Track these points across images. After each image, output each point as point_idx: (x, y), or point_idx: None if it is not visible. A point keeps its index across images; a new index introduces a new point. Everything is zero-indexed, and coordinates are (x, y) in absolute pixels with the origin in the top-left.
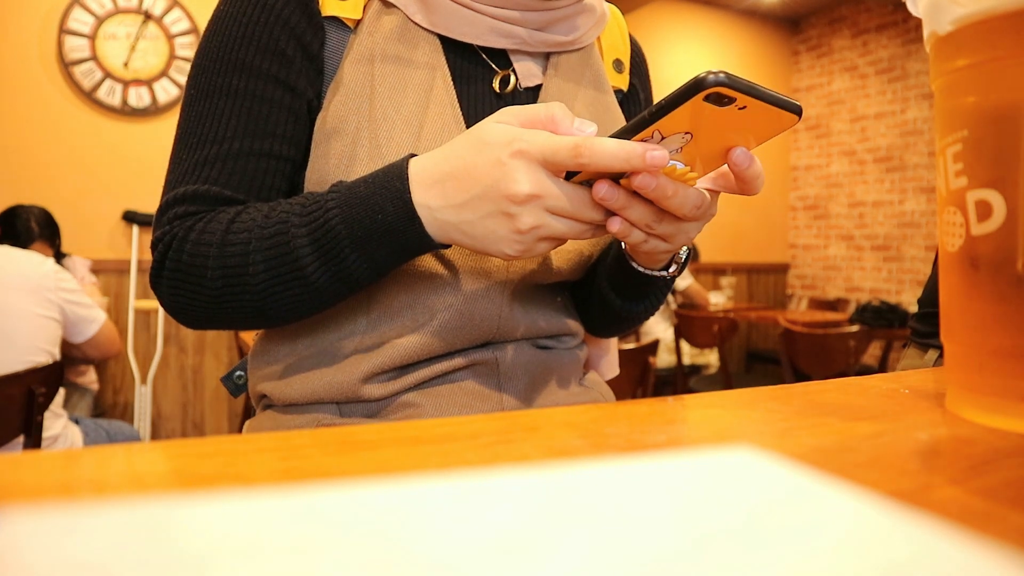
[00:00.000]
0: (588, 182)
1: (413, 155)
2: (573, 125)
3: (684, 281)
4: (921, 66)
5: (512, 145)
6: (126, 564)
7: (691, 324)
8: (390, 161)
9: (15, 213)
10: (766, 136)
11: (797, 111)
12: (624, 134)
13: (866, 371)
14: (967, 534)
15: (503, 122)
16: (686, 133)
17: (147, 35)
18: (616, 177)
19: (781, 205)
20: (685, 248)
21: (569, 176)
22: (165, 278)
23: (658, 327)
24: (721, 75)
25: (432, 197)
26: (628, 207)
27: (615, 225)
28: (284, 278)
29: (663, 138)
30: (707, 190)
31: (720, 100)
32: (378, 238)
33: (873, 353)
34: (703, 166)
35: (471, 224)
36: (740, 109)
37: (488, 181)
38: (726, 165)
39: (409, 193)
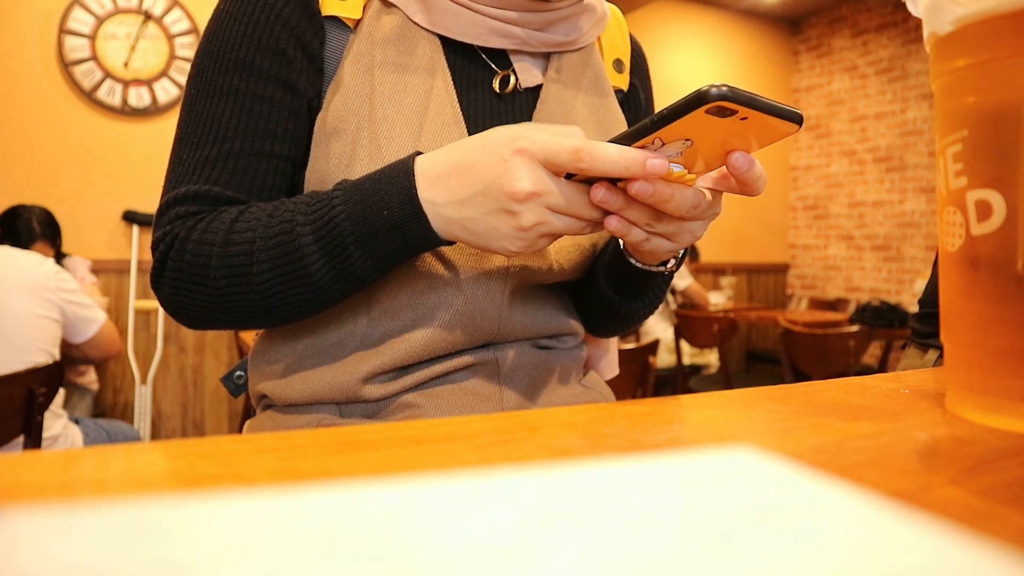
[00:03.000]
0: (588, 180)
1: (419, 153)
2: None
3: (684, 281)
4: (921, 66)
5: (514, 143)
6: (126, 564)
7: (691, 324)
8: (390, 161)
9: (16, 213)
10: (767, 142)
11: (798, 120)
12: (625, 140)
13: (866, 371)
14: (967, 534)
15: (514, 126)
16: (686, 140)
17: (147, 35)
18: (614, 179)
19: (781, 205)
20: None
21: (570, 174)
22: (166, 278)
23: (658, 327)
24: (724, 88)
25: (436, 193)
26: (626, 208)
27: (612, 223)
28: (288, 276)
29: (663, 144)
30: (709, 190)
31: (722, 112)
32: (383, 234)
33: (873, 353)
34: (703, 166)
35: (474, 220)
36: (742, 119)
37: (490, 177)
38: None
39: (415, 189)
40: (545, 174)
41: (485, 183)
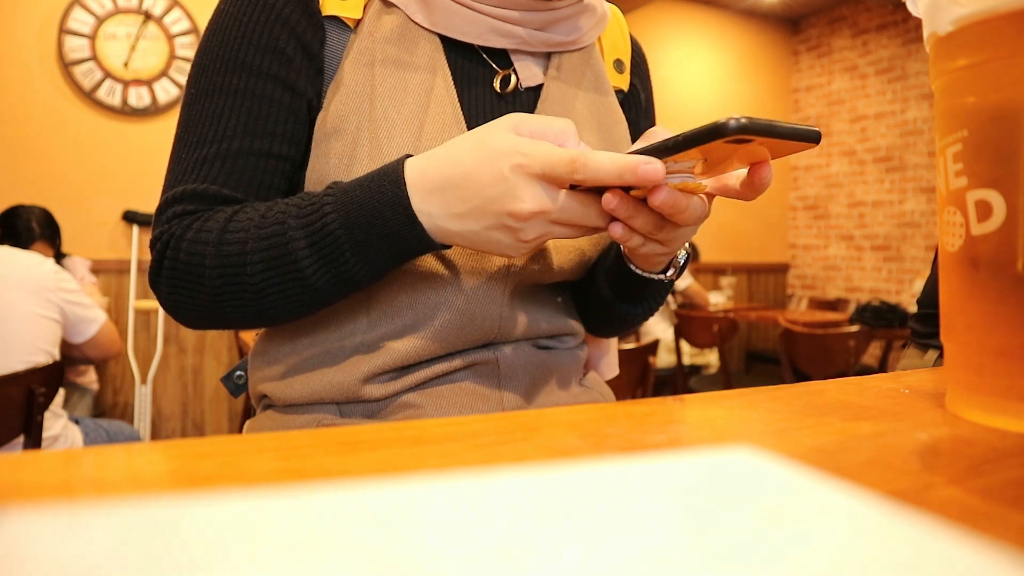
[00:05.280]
0: (598, 189)
1: (408, 156)
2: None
3: (684, 281)
4: (921, 66)
5: (513, 158)
6: (126, 564)
7: (691, 324)
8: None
9: (16, 213)
10: (780, 156)
11: (816, 139)
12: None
13: (866, 371)
14: (967, 534)
15: (507, 129)
16: (701, 159)
17: (147, 35)
18: (625, 187)
19: (781, 205)
20: (684, 252)
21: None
22: (164, 277)
23: (658, 327)
24: (743, 120)
25: (432, 204)
26: (635, 216)
27: (617, 230)
28: (282, 278)
29: (676, 162)
30: (705, 194)
31: (739, 140)
32: (378, 242)
33: (873, 353)
34: (711, 175)
35: (474, 233)
36: (759, 144)
37: (490, 194)
38: (728, 174)
39: (408, 199)
40: (544, 191)
41: (484, 199)
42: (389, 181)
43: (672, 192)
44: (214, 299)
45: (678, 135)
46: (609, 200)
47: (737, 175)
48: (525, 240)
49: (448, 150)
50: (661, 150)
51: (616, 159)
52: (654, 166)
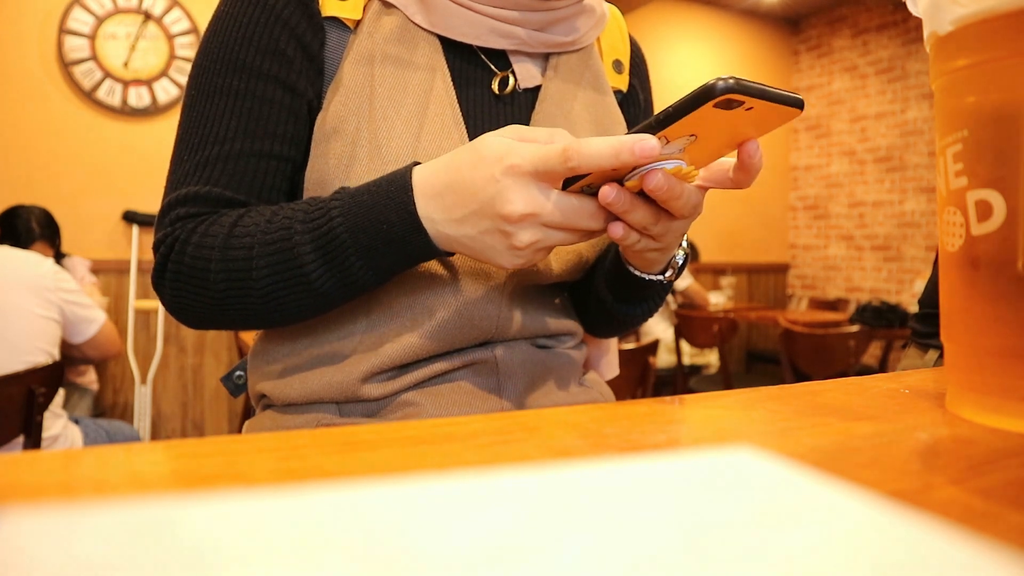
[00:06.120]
0: (589, 189)
1: (417, 163)
2: None
3: (684, 281)
4: (921, 66)
5: (504, 160)
6: (126, 564)
7: (691, 324)
8: (390, 162)
9: (16, 213)
10: (768, 130)
11: (800, 105)
12: None
13: (866, 371)
14: (967, 534)
15: (503, 135)
16: (691, 135)
17: (147, 35)
18: (620, 180)
19: (781, 205)
20: (682, 252)
21: (570, 183)
22: (168, 279)
23: (658, 327)
24: (731, 81)
25: (433, 210)
26: (632, 210)
27: (618, 230)
28: (288, 282)
29: (668, 141)
30: (697, 187)
31: (729, 104)
32: (383, 247)
33: (873, 353)
34: (704, 160)
35: (471, 238)
36: (747, 110)
37: (484, 198)
38: (720, 160)
39: (414, 205)
40: (538, 191)
41: (479, 203)
42: (396, 187)
43: (667, 176)
44: (218, 302)
45: (668, 106)
46: (607, 192)
47: (730, 165)
48: (519, 246)
49: (450, 157)
50: (654, 125)
51: (610, 140)
52: (649, 142)
